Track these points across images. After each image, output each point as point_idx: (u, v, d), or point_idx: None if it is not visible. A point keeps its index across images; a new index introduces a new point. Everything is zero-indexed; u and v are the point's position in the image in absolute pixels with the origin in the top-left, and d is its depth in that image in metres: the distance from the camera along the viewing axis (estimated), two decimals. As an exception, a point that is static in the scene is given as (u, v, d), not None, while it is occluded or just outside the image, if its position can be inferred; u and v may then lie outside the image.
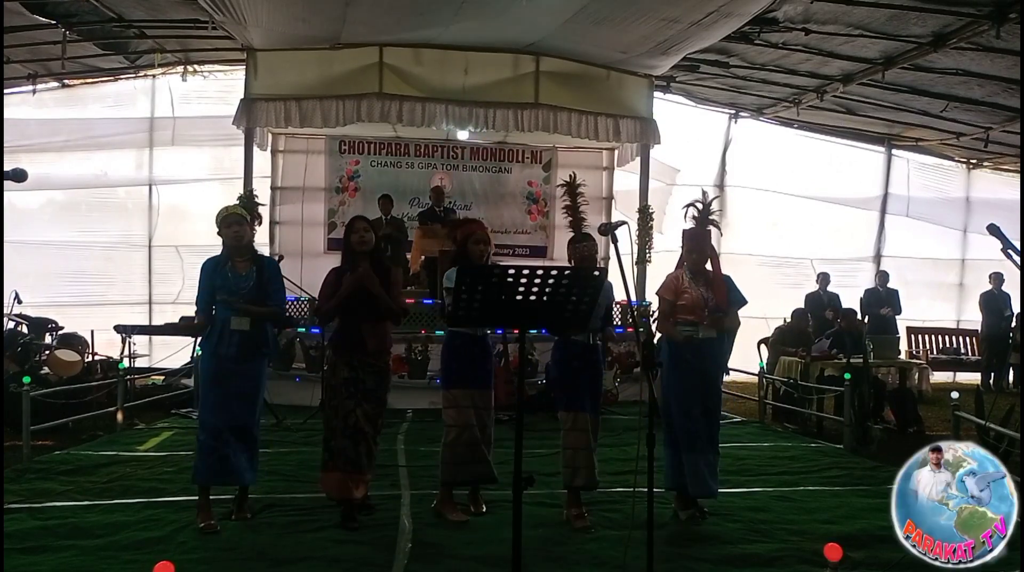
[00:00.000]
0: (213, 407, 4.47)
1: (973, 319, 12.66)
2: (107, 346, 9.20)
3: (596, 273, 3.05)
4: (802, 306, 10.40)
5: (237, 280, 4.48)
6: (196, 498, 4.49)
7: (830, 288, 11.20)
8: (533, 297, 2.91)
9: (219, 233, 4.54)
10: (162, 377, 9.11)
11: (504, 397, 7.98)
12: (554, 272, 2.90)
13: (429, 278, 9.63)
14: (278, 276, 4.67)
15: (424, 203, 11.41)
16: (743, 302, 4.84)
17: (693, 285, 4.72)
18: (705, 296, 4.68)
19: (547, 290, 2.90)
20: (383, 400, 4.63)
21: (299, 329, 8.96)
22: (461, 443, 4.61)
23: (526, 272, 2.87)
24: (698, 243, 4.77)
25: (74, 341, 8.50)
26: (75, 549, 3.95)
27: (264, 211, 10.15)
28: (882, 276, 11.78)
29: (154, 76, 11.15)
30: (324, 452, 4.52)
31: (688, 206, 4.83)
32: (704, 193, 4.88)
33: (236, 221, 4.51)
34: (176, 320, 9.87)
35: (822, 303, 10.83)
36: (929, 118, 11.28)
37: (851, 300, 10.83)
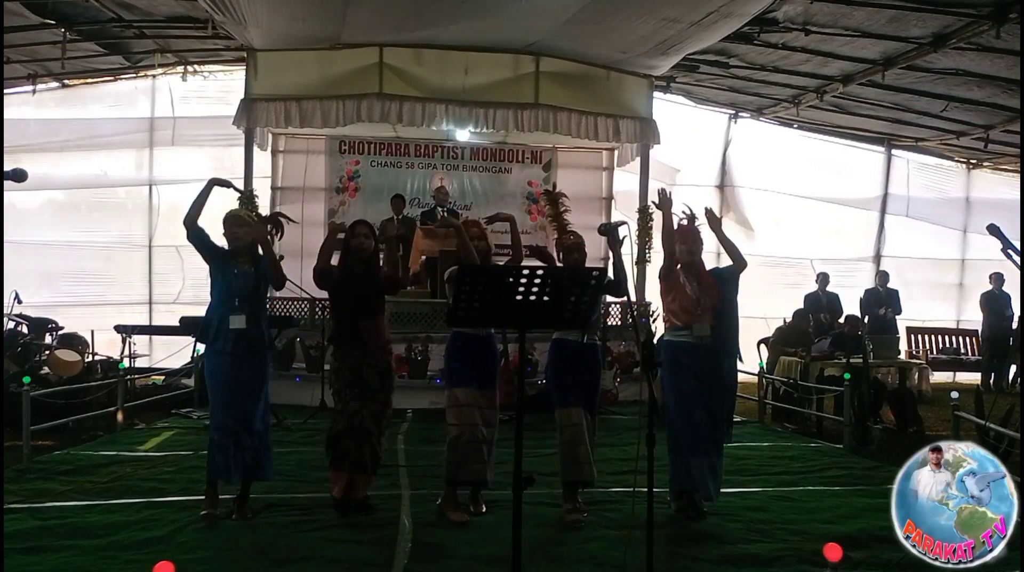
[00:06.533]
0: (220, 405, 4.55)
1: (973, 319, 12.64)
2: (107, 346, 9.19)
3: (596, 273, 3.04)
4: (803, 306, 10.38)
5: (237, 278, 4.59)
6: (197, 498, 4.60)
7: (830, 288, 11.19)
8: (533, 297, 2.91)
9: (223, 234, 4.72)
10: (162, 377, 9.11)
11: (504, 397, 7.98)
12: (554, 271, 2.90)
13: (430, 278, 9.62)
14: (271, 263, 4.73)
15: (425, 203, 11.41)
16: (742, 262, 4.87)
17: (688, 284, 4.74)
18: (698, 295, 4.70)
19: (547, 290, 2.90)
20: (388, 399, 4.72)
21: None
22: (462, 442, 4.61)
23: (526, 272, 2.87)
24: (691, 234, 4.78)
25: (74, 341, 8.48)
26: (75, 549, 3.94)
27: (264, 213, 10.11)
28: (882, 276, 11.78)
29: (154, 76, 11.14)
30: (330, 452, 4.61)
31: (681, 217, 4.84)
32: (683, 213, 4.88)
33: (234, 223, 4.67)
34: (176, 320, 9.84)
35: (821, 304, 10.82)
36: (929, 118, 11.28)
37: (851, 300, 10.82)
